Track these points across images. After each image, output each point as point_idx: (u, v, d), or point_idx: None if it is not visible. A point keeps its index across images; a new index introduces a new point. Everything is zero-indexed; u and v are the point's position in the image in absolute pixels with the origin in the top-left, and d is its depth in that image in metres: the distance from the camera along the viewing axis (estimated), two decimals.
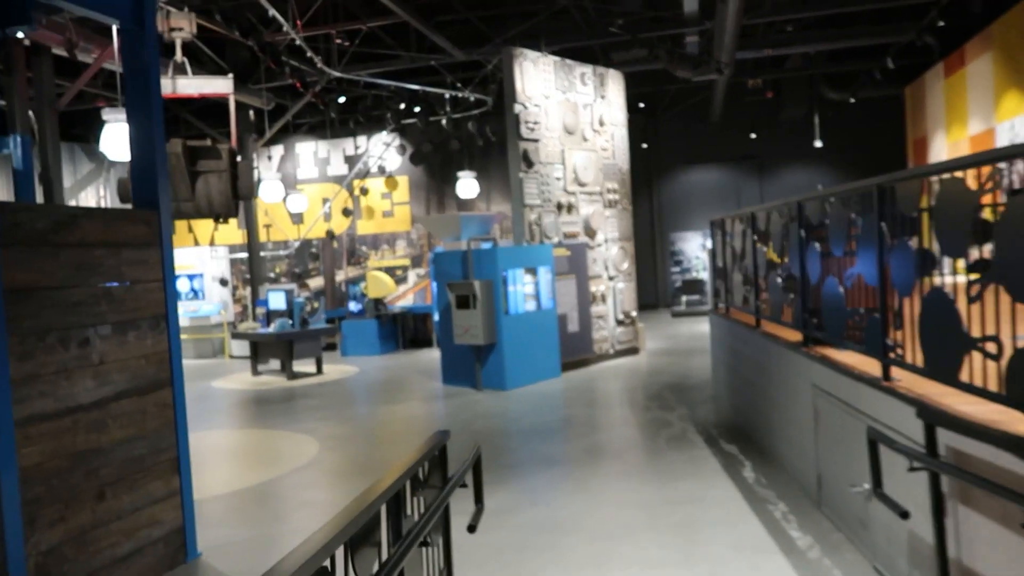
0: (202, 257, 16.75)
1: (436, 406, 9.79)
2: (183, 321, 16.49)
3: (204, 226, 18.87)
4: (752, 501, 5.40)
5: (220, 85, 9.94)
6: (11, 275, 3.39)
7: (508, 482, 6.22)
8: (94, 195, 18.49)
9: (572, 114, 12.17)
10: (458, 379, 11.03)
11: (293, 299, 13.01)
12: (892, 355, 3.95)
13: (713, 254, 9.27)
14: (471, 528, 3.29)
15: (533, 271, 10.94)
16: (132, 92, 4.83)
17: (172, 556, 4.44)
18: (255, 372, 13.32)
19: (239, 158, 9.92)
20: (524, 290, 10.79)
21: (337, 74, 12.27)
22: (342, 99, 13.68)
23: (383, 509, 2.44)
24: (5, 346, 3.30)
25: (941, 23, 12.14)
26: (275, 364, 13.33)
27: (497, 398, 9.97)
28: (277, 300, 13.29)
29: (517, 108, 11.30)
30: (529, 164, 11.43)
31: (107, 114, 7.96)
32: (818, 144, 17.41)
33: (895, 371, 3.97)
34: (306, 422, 9.20)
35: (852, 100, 16.68)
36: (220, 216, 9.93)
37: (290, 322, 12.73)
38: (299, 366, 13.45)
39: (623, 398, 9.66)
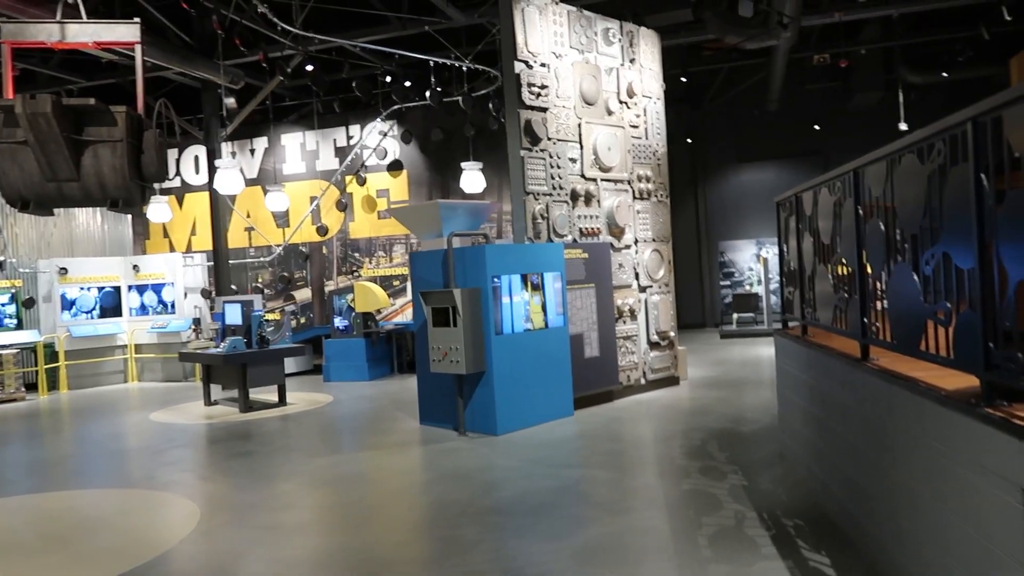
0: (173, 264, 14.55)
1: (396, 459, 7.21)
2: (150, 338, 14.32)
3: (181, 228, 16.64)
4: None
5: (123, 32, 7.63)
6: None
7: None
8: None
9: (592, 79, 9.56)
10: (438, 418, 8.46)
11: (251, 313, 10.61)
12: None
13: (781, 251, 6.54)
14: None
15: (537, 279, 8.34)
16: None
17: None
18: (208, 401, 10.97)
19: (153, 130, 7.62)
20: (525, 302, 8.20)
21: (297, 32, 9.87)
22: (309, 67, 11.33)
23: None
24: None
25: None
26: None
27: (481, 447, 7.36)
28: (233, 314, 10.92)
29: (518, 67, 8.75)
30: (534, 140, 8.86)
31: None
32: (903, 127, 14.38)
33: None
34: (212, 478, 6.72)
35: (945, 75, 13.63)
36: (118, 202, 7.62)
37: (244, 341, 10.33)
38: (263, 394, 11.08)
39: (652, 453, 6.96)
